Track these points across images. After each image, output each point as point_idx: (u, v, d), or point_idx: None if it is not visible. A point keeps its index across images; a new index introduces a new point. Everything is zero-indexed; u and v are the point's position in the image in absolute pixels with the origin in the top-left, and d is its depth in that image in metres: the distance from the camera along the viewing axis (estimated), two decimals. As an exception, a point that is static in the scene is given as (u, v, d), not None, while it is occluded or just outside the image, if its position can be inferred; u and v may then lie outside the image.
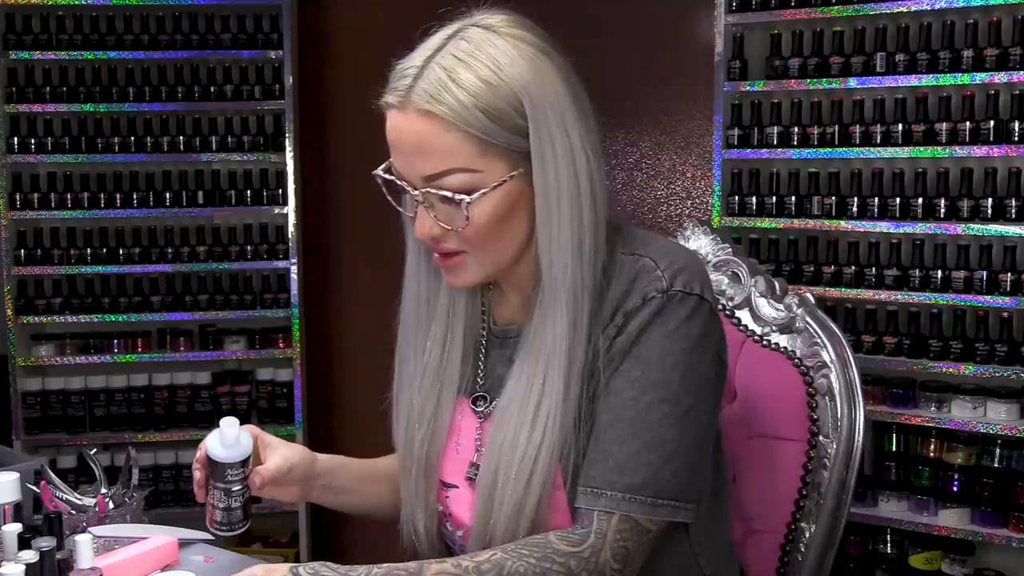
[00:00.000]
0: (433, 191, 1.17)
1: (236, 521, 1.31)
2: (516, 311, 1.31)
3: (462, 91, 1.14)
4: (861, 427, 1.50)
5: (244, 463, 1.30)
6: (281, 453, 1.35)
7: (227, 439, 1.28)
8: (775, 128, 2.95)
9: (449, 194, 1.16)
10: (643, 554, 1.19)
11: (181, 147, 3.48)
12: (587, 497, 1.17)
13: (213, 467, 1.29)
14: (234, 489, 1.29)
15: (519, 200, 1.19)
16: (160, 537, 1.41)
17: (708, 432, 1.23)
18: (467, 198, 1.16)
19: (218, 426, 1.29)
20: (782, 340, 1.57)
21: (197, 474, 1.31)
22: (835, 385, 1.51)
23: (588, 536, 1.16)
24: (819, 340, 1.54)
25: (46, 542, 1.24)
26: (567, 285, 1.19)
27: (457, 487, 1.32)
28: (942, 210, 2.72)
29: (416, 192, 1.18)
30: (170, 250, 3.51)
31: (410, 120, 1.16)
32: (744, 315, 1.61)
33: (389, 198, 1.24)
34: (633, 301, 1.20)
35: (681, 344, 1.18)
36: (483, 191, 1.16)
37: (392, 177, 1.21)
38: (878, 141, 2.80)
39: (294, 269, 3.53)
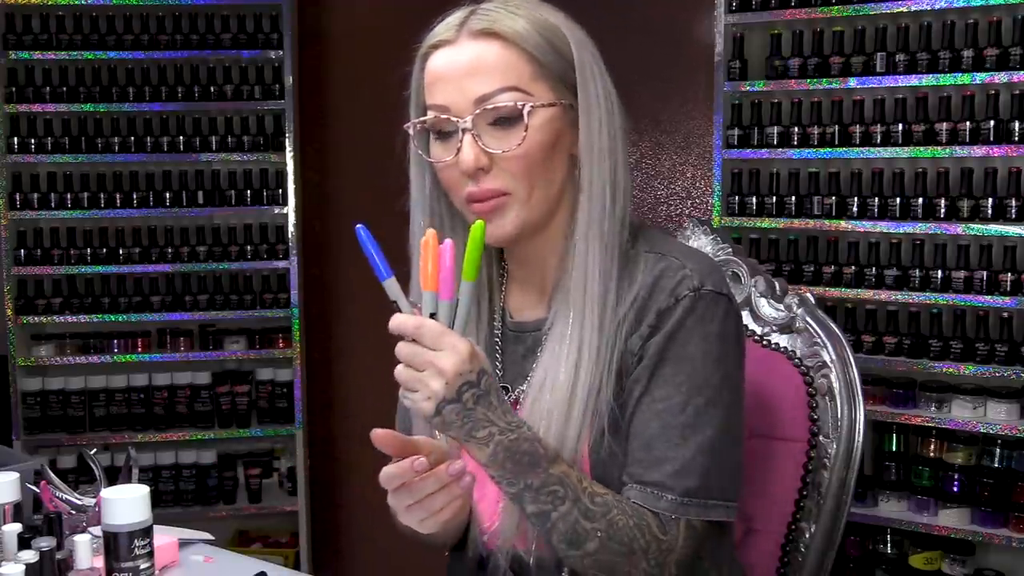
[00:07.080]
0: (488, 108, 1.18)
1: None
2: (533, 306, 1.31)
3: (519, 19, 1.20)
4: (861, 427, 1.50)
5: (148, 531, 1.17)
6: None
7: (125, 504, 1.13)
8: (775, 128, 2.94)
9: (506, 104, 1.17)
10: (693, 555, 1.21)
11: (181, 147, 3.48)
12: (647, 497, 1.18)
13: (113, 546, 1.12)
14: (142, 568, 1.16)
15: (563, 135, 1.22)
16: (160, 537, 1.40)
17: (742, 430, 1.24)
18: (526, 105, 1.17)
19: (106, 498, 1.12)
20: (782, 340, 1.57)
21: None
22: (835, 385, 1.51)
23: (669, 532, 1.17)
24: (819, 340, 1.54)
25: (46, 542, 1.24)
26: (600, 227, 1.21)
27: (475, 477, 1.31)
28: (942, 210, 2.72)
29: (465, 119, 1.19)
30: (170, 250, 3.51)
31: (464, 47, 1.19)
32: (744, 315, 1.61)
33: (419, 151, 1.24)
34: (665, 300, 1.20)
35: (720, 346, 1.20)
36: (535, 104, 1.19)
37: (431, 117, 1.21)
38: (878, 141, 2.80)
39: (294, 269, 3.53)
